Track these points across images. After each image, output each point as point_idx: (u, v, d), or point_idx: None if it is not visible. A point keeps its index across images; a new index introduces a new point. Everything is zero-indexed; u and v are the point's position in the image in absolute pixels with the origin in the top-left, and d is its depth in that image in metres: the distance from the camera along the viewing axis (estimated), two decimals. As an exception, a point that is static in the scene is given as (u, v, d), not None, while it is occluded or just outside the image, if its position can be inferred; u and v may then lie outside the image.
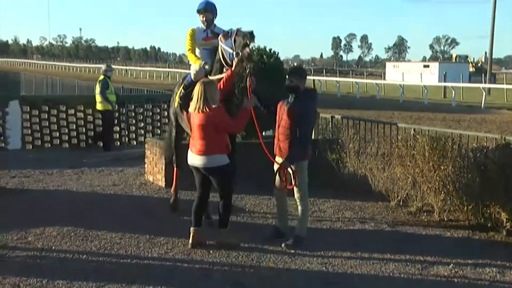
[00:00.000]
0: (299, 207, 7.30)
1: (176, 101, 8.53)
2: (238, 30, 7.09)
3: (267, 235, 7.46)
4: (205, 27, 8.26)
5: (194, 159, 7.00)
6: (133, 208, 8.77)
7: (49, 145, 14.30)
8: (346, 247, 7.17)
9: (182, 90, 8.23)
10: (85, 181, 10.68)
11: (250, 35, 6.94)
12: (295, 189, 7.21)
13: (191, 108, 6.96)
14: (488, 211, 7.75)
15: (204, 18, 8.24)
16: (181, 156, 8.71)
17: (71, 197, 9.58)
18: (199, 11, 8.28)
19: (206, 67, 7.87)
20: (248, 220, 8.42)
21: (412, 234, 7.92)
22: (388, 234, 7.90)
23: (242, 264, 6.63)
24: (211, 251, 6.91)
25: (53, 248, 7.03)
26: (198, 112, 6.82)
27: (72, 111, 14.68)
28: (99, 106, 14.23)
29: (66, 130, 14.54)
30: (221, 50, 7.34)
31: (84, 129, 14.73)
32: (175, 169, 8.90)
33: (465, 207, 8.10)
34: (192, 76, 8.10)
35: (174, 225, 7.79)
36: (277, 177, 7.30)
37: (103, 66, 15.40)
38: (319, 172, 9.58)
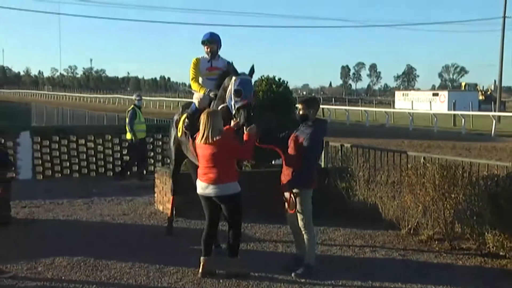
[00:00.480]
0: (305, 236, 7.26)
1: (179, 130, 8.54)
2: (236, 90, 7.10)
3: (289, 264, 7.34)
4: (209, 58, 8.39)
5: (206, 188, 6.94)
6: (143, 238, 8.76)
7: (59, 175, 14.35)
8: (357, 276, 7.12)
9: (187, 119, 8.21)
10: (95, 211, 10.70)
11: (248, 107, 7.03)
12: (299, 217, 7.18)
13: (198, 140, 6.97)
14: (500, 239, 7.68)
15: (208, 50, 8.38)
16: (178, 184, 9.11)
17: (81, 227, 9.59)
18: (203, 42, 8.41)
19: (211, 94, 7.88)
20: (259, 248, 8.39)
21: (423, 262, 7.86)
22: (399, 262, 7.83)
23: (252, 293, 6.60)
24: (221, 280, 6.87)
25: (63, 278, 7.02)
26: (206, 143, 6.84)
27: (82, 141, 14.75)
28: (127, 136, 14.38)
29: (76, 160, 14.60)
30: (228, 93, 7.33)
31: (94, 159, 14.78)
32: (171, 197, 9.21)
33: (477, 236, 8.03)
34: (197, 104, 8.11)
35: (184, 254, 7.76)
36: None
37: (134, 96, 15.53)
38: (329, 200, 9.57)
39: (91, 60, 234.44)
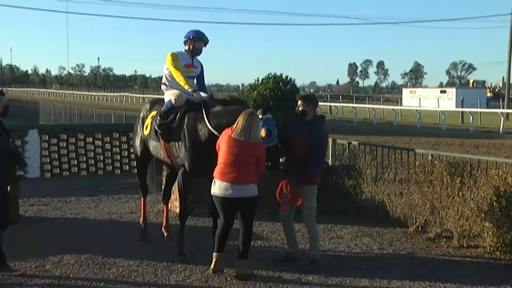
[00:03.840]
0: (310, 232, 7.33)
1: (146, 128, 8.20)
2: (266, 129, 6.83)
3: (280, 260, 7.45)
4: (191, 55, 8.13)
5: (228, 189, 6.70)
6: (150, 236, 8.77)
7: (67, 173, 14.38)
8: (364, 273, 7.11)
9: (159, 117, 7.81)
10: (102, 209, 10.73)
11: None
12: (305, 213, 7.24)
13: (234, 134, 6.71)
14: (509, 236, 7.65)
15: (194, 47, 8.08)
16: (147, 185, 8.97)
17: (89, 225, 9.61)
18: (193, 38, 8.07)
19: (195, 94, 7.63)
20: (266, 246, 8.40)
21: (431, 260, 7.84)
22: (407, 260, 7.81)
23: (260, 291, 6.60)
24: (228, 278, 6.88)
25: (71, 276, 7.04)
26: (243, 140, 6.67)
27: (90, 139, 14.78)
28: None
29: (84, 158, 14.62)
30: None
31: (102, 157, 14.81)
32: (142, 199, 8.92)
33: (485, 233, 8.01)
34: (173, 101, 7.76)
35: (191, 252, 7.75)
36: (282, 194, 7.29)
37: None
38: (337, 198, 9.57)
39: (98, 58, 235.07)
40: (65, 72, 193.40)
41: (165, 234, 8.55)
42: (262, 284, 6.76)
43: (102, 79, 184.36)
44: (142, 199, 8.92)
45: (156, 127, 7.82)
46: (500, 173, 8.03)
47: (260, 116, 6.85)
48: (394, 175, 9.87)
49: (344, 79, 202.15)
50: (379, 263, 7.65)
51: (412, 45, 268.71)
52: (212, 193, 6.86)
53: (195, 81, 8.18)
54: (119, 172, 14.62)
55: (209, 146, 7.10)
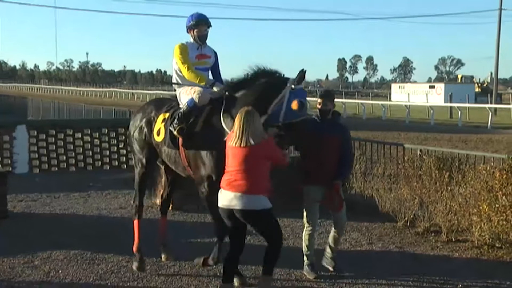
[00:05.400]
0: (341, 235, 7.21)
1: (159, 134, 6.97)
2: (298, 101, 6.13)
3: (311, 272, 6.92)
4: (199, 43, 7.07)
5: (232, 200, 5.86)
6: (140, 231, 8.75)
7: (56, 168, 14.30)
8: (353, 268, 7.13)
9: (177, 120, 6.66)
10: (91, 205, 10.70)
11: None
12: (344, 211, 6.93)
13: (231, 142, 5.91)
14: (496, 231, 7.71)
15: (199, 33, 7.01)
16: (143, 204, 7.53)
17: (78, 220, 9.59)
18: (199, 23, 7.01)
19: (215, 88, 6.75)
20: (256, 242, 8.40)
21: (420, 254, 7.89)
22: (396, 255, 7.86)
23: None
24: (218, 274, 6.82)
25: (60, 271, 7.03)
26: (241, 146, 5.85)
27: (79, 135, 14.71)
28: None
29: (73, 154, 14.55)
30: (279, 100, 6.25)
31: (91, 153, 14.75)
32: (135, 222, 7.35)
33: (473, 227, 8.06)
34: (197, 99, 6.65)
35: (181, 247, 7.73)
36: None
37: None
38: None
39: (87, 53, 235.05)
40: (54, 67, 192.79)
41: (162, 256, 7.28)
42: (253, 279, 6.75)
43: (91, 75, 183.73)
44: (136, 221, 7.33)
45: (175, 132, 6.62)
46: (488, 168, 8.07)
47: (292, 86, 6.21)
48: (383, 170, 9.90)
49: (334, 74, 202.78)
50: (368, 258, 7.68)
51: (401, 41, 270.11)
52: (224, 206, 5.98)
53: (209, 73, 7.17)
54: (108, 167, 14.55)
55: None
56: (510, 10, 64.01)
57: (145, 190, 7.66)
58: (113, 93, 79.31)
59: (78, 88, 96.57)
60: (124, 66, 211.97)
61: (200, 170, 6.54)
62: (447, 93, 53.51)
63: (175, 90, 7.29)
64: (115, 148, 14.81)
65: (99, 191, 11.83)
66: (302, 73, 6.27)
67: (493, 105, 39.91)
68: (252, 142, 5.80)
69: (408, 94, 62.82)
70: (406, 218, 8.99)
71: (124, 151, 15.06)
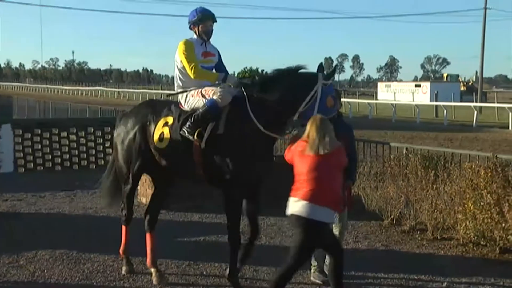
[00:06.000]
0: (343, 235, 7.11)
1: (162, 140, 6.45)
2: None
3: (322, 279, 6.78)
4: (204, 40, 6.65)
5: (300, 206, 5.58)
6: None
7: (42, 168, 14.25)
8: (340, 266, 7.14)
9: (191, 124, 6.17)
10: (77, 204, 10.66)
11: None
12: (346, 216, 6.77)
13: (310, 150, 5.61)
14: (481, 228, 7.76)
15: (202, 30, 6.59)
16: (132, 211, 7.15)
17: (64, 220, 9.54)
18: (204, 18, 6.60)
19: (230, 84, 6.39)
20: (242, 241, 8.39)
21: (406, 252, 7.94)
22: (382, 253, 7.91)
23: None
24: (204, 272, 6.86)
25: (45, 271, 7.00)
26: (316, 154, 5.61)
27: (65, 134, 14.66)
28: None
29: (59, 153, 14.50)
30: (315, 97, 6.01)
31: (77, 152, 14.70)
32: (124, 227, 7.09)
33: (458, 225, 8.11)
34: (220, 100, 6.18)
35: (167, 247, 7.72)
36: None
37: None
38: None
39: (73, 52, 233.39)
40: (39, 66, 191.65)
41: (153, 272, 6.76)
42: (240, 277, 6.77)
43: (77, 73, 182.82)
44: (124, 227, 7.11)
45: (193, 137, 6.15)
46: (473, 166, 8.12)
47: (324, 82, 6.05)
48: (369, 169, 9.94)
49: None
50: (354, 256, 7.68)
51: (387, 40, 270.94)
52: (292, 213, 5.66)
53: (213, 72, 6.73)
54: (94, 166, 14.52)
55: (263, 151, 6.28)
56: (495, 10, 64.62)
57: (133, 200, 7.27)
58: (99, 92, 79.03)
59: (64, 87, 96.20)
60: (110, 65, 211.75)
61: (224, 175, 6.14)
62: (433, 91, 53.74)
63: (168, 96, 7.19)
64: (101, 147, 14.80)
65: (85, 191, 11.77)
66: (334, 68, 6.12)
67: (479, 104, 40.12)
68: (327, 150, 5.58)
69: (394, 92, 63.08)
70: (392, 217, 9.04)
71: (111, 150, 15.03)
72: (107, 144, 14.91)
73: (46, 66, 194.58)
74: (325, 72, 6.15)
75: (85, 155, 14.76)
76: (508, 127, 30.21)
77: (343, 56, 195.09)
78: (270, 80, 6.27)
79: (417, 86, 67.55)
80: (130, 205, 7.04)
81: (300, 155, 5.70)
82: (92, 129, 14.93)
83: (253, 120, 6.06)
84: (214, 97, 6.18)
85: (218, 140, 6.13)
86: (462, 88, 66.48)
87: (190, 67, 6.40)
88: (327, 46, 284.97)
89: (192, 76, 6.42)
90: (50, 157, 14.39)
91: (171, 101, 6.99)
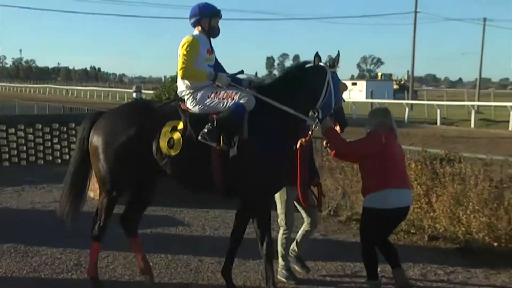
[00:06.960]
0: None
1: (174, 148, 5.73)
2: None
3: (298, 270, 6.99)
4: (213, 36, 6.14)
5: (407, 196, 6.16)
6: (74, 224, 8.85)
7: (-11, 164, 14.20)
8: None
9: (213, 129, 5.58)
10: (25, 199, 10.72)
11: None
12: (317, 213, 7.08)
13: (398, 139, 6.13)
14: (411, 217, 8.21)
15: (212, 25, 6.06)
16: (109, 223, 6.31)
17: (12, 214, 9.59)
18: (207, 15, 6.03)
19: (225, 80, 5.89)
20: (187, 232, 8.68)
21: (343, 241, 8.32)
22: (321, 242, 8.18)
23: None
24: (151, 264, 6.96)
25: (-8, 264, 7.02)
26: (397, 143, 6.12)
27: (12, 130, 14.64)
28: None
29: (7, 149, 14.48)
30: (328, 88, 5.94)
31: (25, 148, 14.70)
32: (95, 244, 6.31)
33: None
34: (247, 103, 5.71)
35: (114, 239, 7.74)
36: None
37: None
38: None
39: (20, 50, 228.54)
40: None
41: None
42: (184, 267, 7.02)
43: (25, 71, 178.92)
44: (95, 243, 6.31)
45: (217, 145, 5.57)
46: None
47: (332, 70, 5.98)
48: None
49: (263, 72, 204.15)
50: (294, 245, 8.01)
51: (325, 40, 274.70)
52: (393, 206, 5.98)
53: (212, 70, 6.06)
54: (42, 162, 14.55)
55: (291, 153, 6.12)
56: (424, 13, 66.69)
57: (112, 213, 6.34)
58: (47, 89, 77.87)
59: (11, 84, 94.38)
60: (58, 63, 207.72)
61: (252, 183, 5.75)
62: (368, 90, 55.15)
63: (166, 99, 6.69)
64: (49, 143, 14.82)
65: (33, 185, 11.83)
66: (338, 54, 6.09)
67: (410, 101, 42.51)
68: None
69: (332, 90, 64.02)
70: (330, 208, 9.46)
71: (59, 146, 15.09)
72: (55, 140, 14.96)
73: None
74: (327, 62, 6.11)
75: (33, 151, 14.76)
76: (436, 123, 32.78)
77: (284, 56, 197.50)
78: (282, 79, 6.14)
79: (354, 84, 68.99)
80: (107, 220, 6.22)
81: (394, 145, 6.02)
82: (40, 126, 14.95)
83: (284, 123, 5.80)
84: (242, 101, 5.68)
85: (249, 145, 5.64)
86: (395, 87, 68.82)
87: (183, 64, 5.79)
88: (268, 46, 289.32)
89: (179, 75, 5.88)
90: (-3, 153, 14.35)
91: (162, 102, 7.00)
